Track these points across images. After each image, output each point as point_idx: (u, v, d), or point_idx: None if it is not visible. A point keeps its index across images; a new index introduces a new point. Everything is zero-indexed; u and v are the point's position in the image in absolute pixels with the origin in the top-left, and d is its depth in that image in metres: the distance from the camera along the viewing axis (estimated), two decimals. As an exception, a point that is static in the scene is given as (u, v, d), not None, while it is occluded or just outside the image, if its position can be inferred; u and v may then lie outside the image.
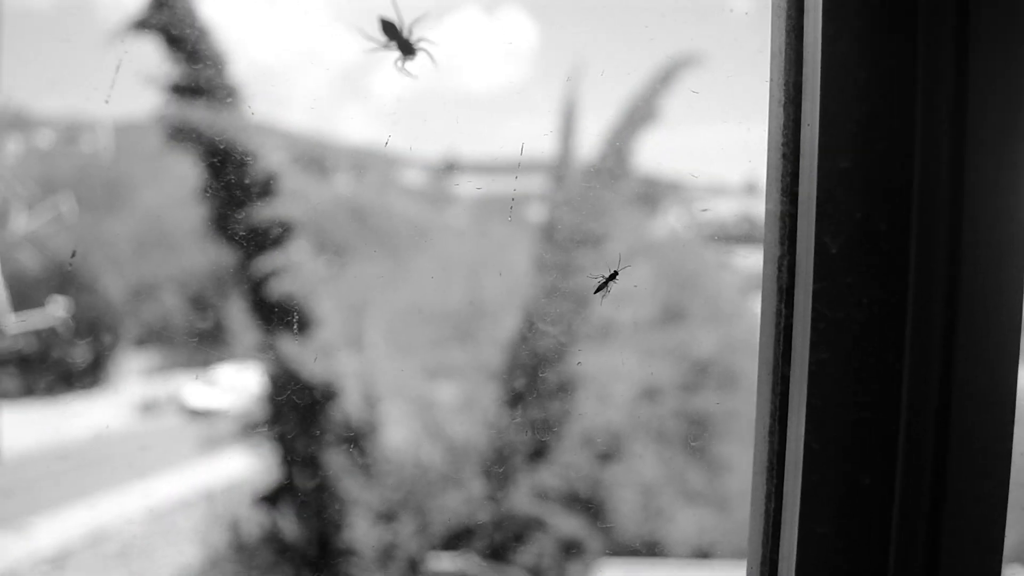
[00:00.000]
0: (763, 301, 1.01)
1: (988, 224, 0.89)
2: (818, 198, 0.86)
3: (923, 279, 0.91)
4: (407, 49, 1.72)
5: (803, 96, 0.91)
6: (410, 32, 1.71)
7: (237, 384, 9.60)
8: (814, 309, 0.90)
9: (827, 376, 0.94)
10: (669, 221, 11.99)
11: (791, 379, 0.98)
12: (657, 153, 10.03)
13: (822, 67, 0.85)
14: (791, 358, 0.97)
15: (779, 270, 0.96)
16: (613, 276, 2.00)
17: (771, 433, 1.08)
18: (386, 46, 1.73)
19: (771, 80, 0.96)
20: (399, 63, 1.73)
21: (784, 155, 0.94)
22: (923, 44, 0.86)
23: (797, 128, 0.92)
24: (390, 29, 1.70)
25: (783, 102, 0.93)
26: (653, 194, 11.30)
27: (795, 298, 0.96)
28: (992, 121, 0.86)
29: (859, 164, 0.86)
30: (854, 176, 0.86)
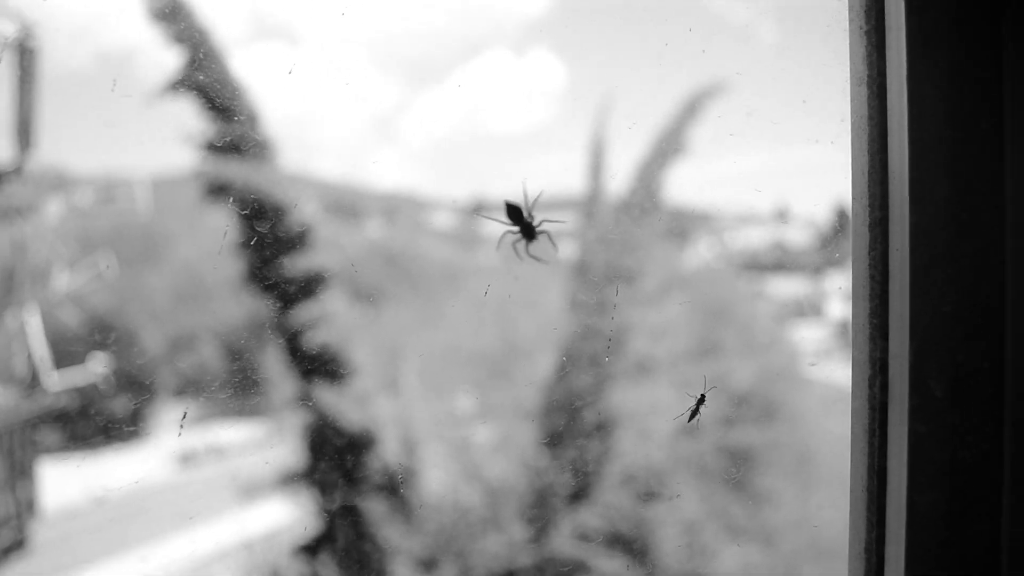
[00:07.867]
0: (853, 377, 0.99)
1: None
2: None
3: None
4: (529, 233, 1.70)
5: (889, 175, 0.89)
6: (531, 216, 1.69)
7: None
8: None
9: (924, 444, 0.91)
10: (700, 252, 11.93)
11: (888, 444, 0.95)
12: (686, 184, 10.00)
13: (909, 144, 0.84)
14: (887, 430, 0.94)
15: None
16: (702, 400, 2.00)
17: (868, 489, 1.06)
18: (509, 228, 1.71)
19: (852, 149, 0.95)
20: (520, 246, 1.70)
21: (870, 224, 0.92)
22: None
23: (885, 194, 0.91)
24: (515, 213, 1.69)
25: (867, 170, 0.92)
26: (683, 226, 11.27)
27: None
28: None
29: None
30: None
